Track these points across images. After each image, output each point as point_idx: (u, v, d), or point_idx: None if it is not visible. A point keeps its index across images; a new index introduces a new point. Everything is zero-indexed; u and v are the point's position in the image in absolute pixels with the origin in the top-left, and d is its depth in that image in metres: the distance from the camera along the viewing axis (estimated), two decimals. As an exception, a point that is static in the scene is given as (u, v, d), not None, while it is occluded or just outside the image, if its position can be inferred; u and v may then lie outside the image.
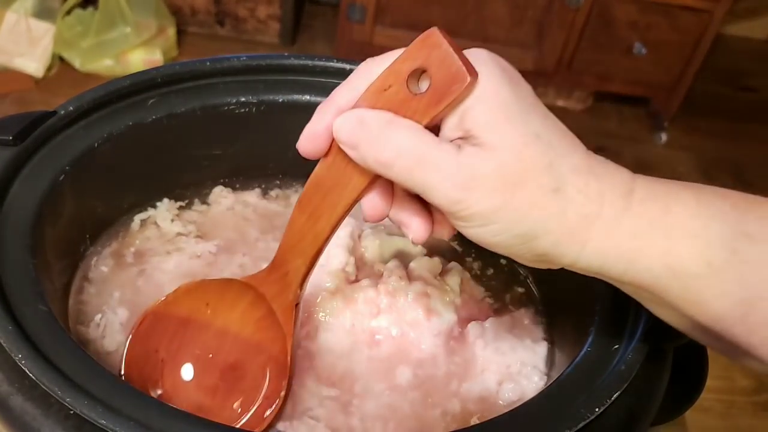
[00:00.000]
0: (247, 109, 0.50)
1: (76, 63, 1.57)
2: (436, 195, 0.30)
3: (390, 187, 0.34)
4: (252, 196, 0.55)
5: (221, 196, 0.54)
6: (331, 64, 0.52)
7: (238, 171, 0.55)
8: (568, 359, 0.38)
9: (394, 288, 0.45)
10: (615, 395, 0.33)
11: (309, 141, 0.34)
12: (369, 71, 0.32)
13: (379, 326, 0.44)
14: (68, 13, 1.57)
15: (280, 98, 0.51)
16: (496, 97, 0.29)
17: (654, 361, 0.36)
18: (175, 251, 0.49)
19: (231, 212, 0.53)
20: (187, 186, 0.53)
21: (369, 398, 0.41)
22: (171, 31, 1.66)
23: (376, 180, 0.33)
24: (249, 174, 0.55)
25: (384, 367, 0.43)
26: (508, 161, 0.29)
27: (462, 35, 1.65)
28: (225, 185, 0.54)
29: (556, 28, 1.62)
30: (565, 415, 0.32)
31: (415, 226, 0.34)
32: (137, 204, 0.51)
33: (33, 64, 1.54)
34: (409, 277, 0.47)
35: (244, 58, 0.50)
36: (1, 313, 0.32)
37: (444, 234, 0.34)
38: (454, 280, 0.48)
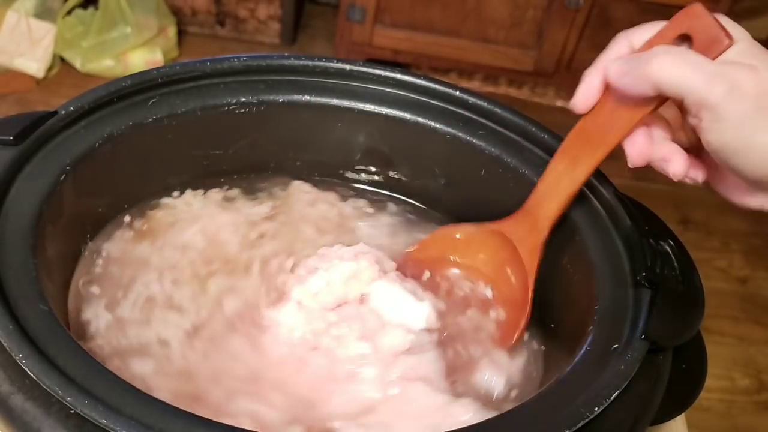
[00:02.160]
0: (247, 110, 0.51)
1: (77, 63, 1.58)
2: (698, 93, 0.34)
3: (649, 132, 0.39)
4: (252, 197, 0.55)
5: (221, 197, 0.54)
6: (332, 64, 0.52)
7: (239, 171, 0.55)
8: (568, 359, 0.38)
9: None
10: (614, 395, 0.33)
11: (582, 97, 0.41)
12: (627, 38, 0.39)
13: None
14: (69, 13, 1.57)
15: (281, 98, 0.51)
16: (751, 47, 0.36)
17: (653, 361, 0.36)
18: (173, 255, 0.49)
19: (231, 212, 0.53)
20: (188, 186, 0.53)
21: None
22: (172, 32, 1.66)
23: (638, 123, 0.39)
24: (249, 174, 0.55)
25: None
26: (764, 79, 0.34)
27: (462, 35, 1.66)
28: (225, 185, 0.55)
29: (556, 29, 1.62)
30: (565, 415, 0.32)
31: (677, 161, 0.39)
32: (138, 204, 0.51)
33: (34, 64, 1.54)
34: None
35: (245, 58, 0.50)
36: (1, 312, 0.33)
37: (699, 175, 0.40)
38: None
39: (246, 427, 0.30)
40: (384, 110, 0.52)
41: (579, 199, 0.45)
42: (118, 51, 1.56)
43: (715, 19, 0.36)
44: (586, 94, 0.41)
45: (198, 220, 0.52)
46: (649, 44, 0.38)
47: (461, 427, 0.32)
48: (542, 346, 0.47)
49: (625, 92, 0.38)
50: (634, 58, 0.37)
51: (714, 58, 0.35)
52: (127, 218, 0.50)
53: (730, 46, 0.35)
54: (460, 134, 0.51)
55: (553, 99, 1.85)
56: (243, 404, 0.40)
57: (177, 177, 0.52)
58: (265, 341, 0.44)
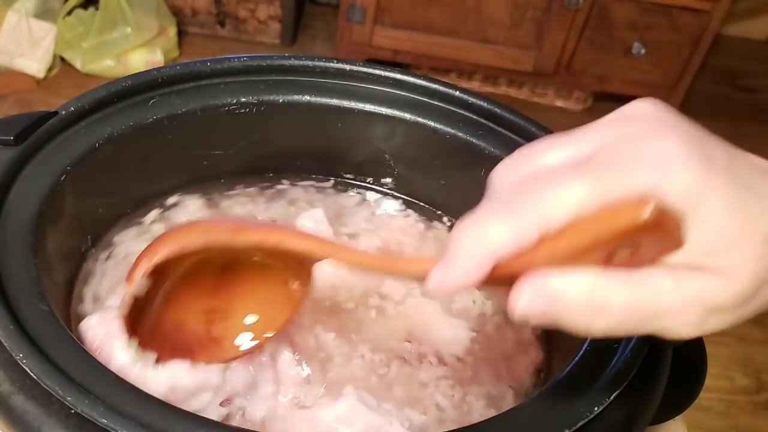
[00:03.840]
0: (247, 110, 0.51)
1: (77, 63, 1.58)
2: (679, 333, 0.25)
3: None
4: (252, 197, 0.55)
5: (221, 197, 0.54)
6: (332, 64, 0.52)
7: (239, 171, 0.55)
8: (568, 358, 0.38)
9: None
10: (614, 394, 0.33)
11: (447, 288, 0.26)
12: (532, 209, 0.24)
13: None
14: (69, 13, 1.57)
15: (281, 99, 0.51)
16: (709, 218, 0.24)
17: (653, 361, 0.36)
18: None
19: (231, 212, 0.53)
20: (187, 186, 0.53)
21: None
22: (172, 32, 1.66)
23: None
24: (249, 174, 0.55)
25: None
26: (746, 283, 0.24)
27: (462, 36, 1.66)
28: (225, 185, 0.55)
29: (556, 29, 1.62)
30: (565, 415, 0.32)
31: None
32: (138, 204, 0.51)
33: (34, 64, 1.55)
34: None
35: (245, 58, 0.50)
36: (2, 312, 0.33)
37: None
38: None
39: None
40: (384, 110, 0.52)
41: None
42: (118, 51, 1.56)
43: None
44: (449, 286, 0.26)
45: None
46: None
47: (461, 426, 0.33)
48: (542, 346, 0.47)
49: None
50: (565, 305, 0.24)
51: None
52: (128, 218, 0.50)
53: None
54: (460, 134, 0.51)
55: (553, 99, 1.85)
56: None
57: (177, 177, 0.52)
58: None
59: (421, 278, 0.28)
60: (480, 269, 0.25)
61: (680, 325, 0.25)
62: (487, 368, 0.44)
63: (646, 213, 0.23)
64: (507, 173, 0.27)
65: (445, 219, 0.56)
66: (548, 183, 0.25)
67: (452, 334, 0.45)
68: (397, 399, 0.42)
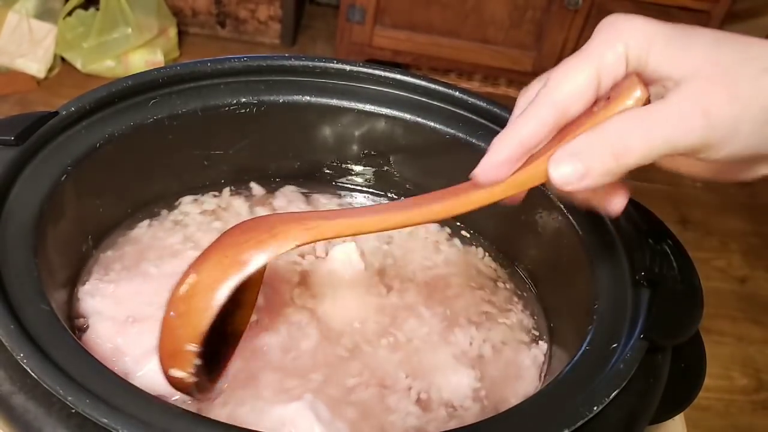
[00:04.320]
0: (247, 110, 0.51)
1: (78, 64, 1.58)
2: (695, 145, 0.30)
3: None
4: (252, 197, 0.55)
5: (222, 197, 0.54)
6: (332, 65, 0.52)
7: (239, 172, 0.55)
8: (567, 358, 0.39)
9: None
10: (614, 394, 0.33)
11: (490, 171, 0.32)
12: (551, 99, 0.31)
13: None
14: (70, 14, 1.57)
15: (281, 99, 0.51)
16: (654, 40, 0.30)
17: (652, 360, 0.36)
18: (174, 256, 0.49)
19: (231, 213, 0.53)
20: (188, 186, 0.53)
21: None
22: (172, 32, 1.66)
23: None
24: (250, 175, 0.55)
25: None
26: (705, 84, 0.29)
27: (461, 36, 1.66)
28: (225, 185, 0.55)
29: (555, 29, 1.62)
30: (564, 414, 0.32)
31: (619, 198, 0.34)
32: (138, 204, 0.51)
33: (35, 64, 1.55)
34: None
35: (245, 59, 0.50)
36: (3, 312, 0.33)
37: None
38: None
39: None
40: (384, 110, 0.52)
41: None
42: (118, 51, 1.56)
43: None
44: (490, 168, 0.33)
45: (199, 222, 0.52)
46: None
47: (461, 426, 0.33)
48: (542, 345, 0.47)
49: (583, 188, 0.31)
50: (590, 150, 0.30)
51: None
52: (129, 217, 0.50)
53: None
54: (459, 134, 0.51)
55: (553, 99, 1.85)
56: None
57: (177, 177, 0.52)
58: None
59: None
60: (514, 155, 0.32)
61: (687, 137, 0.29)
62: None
63: (633, 99, 0.30)
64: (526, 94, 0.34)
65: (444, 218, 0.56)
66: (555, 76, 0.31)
67: (456, 380, 0.44)
68: (355, 421, 0.40)
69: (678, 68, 0.30)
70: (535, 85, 0.34)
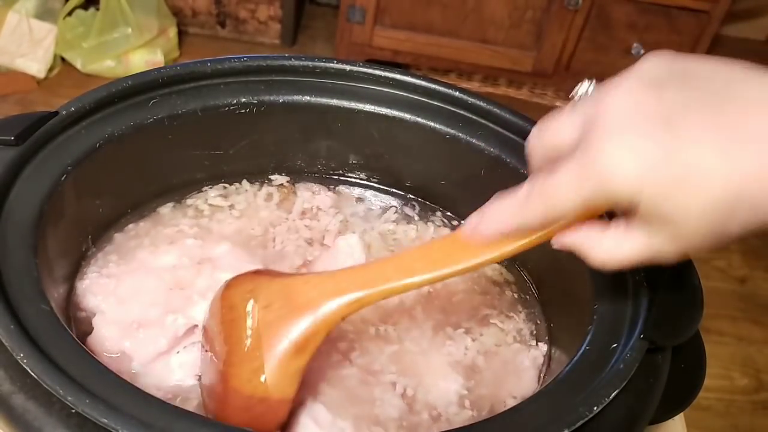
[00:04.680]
0: (247, 110, 0.51)
1: (78, 64, 1.58)
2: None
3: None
4: (252, 197, 0.55)
5: (222, 197, 0.54)
6: (332, 65, 0.52)
7: (239, 172, 0.55)
8: (567, 358, 0.39)
9: None
10: (613, 394, 0.33)
11: (477, 235, 0.34)
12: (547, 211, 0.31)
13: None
14: (70, 14, 1.57)
15: (281, 99, 0.51)
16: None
17: (652, 360, 0.36)
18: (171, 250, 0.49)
19: (231, 212, 0.53)
20: (188, 186, 0.53)
21: None
22: (172, 32, 1.66)
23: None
24: (250, 175, 0.55)
25: None
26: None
27: (461, 36, 1.66)
28: (226, 186, 0.55)
29: (555, 29, 1.62)
30: (564, 414, 0.32)
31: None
32: (138, 204, 0.51)
33: (35, 64, 1.55)
34: None
35: (245, 59, 0.50)
36: (3, 312, 0.33)
37: None
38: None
39: None
40: (384, 110, 0.52)
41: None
42: (118, 51, 1.56)
43: None
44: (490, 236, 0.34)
45: (200, 221, 0.52)
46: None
47: (462, 426, 0.33)
48: (542, 346, 0.47)
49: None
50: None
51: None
52: (129, 217, 0.50)
53: None
54: (459, 134, 0.51)
55: (553, 99, 1.85)
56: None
57: (177, 177, 0.52)
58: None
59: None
60: (495, 235, 0.34)
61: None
62: None
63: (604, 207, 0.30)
64: (536, 148, 0.34)
65: (443, 219, 0.56)
66: (548, 181, 0.30)
67: (444, 386, 0.43)
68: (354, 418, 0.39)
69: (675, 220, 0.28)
70: (543, 134, 0.33)
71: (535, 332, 0.48)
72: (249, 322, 0.36)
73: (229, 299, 0.37)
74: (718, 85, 0.28)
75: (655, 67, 0.29)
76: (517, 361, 0.46)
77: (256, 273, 0.39)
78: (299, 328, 0.34)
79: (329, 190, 0.56)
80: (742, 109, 0.27)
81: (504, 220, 0.33)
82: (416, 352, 0.45)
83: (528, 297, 0.51)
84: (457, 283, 0.50)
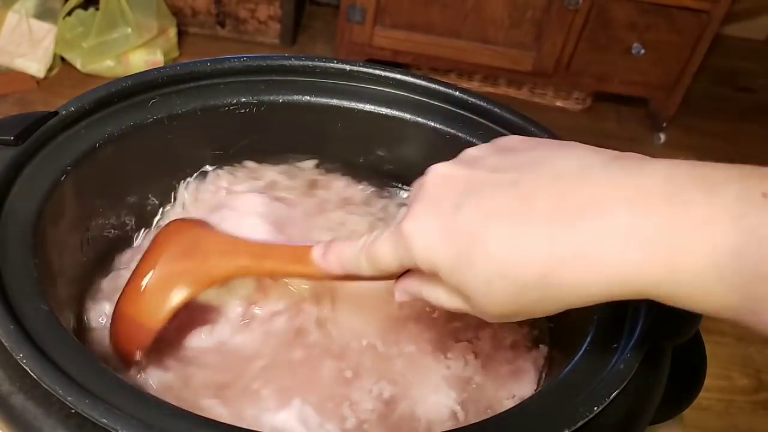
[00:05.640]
0: (247, 110, 0.51)
1: (78, 63, 1.58)
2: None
3: None
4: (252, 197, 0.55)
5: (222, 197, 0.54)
6: (332, 65, 0.52)
7: (239, 171, 0.55)
8: (567, 358, 0.38)
9: None
10: (613, 394, 0.33)
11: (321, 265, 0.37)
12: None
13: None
14: (69, 13, 1.57)
15: (281, 99, 0.51)
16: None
17: (652, 360, 0.36)
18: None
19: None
20: (188, 186, 0.53)
21: None
22: (172, 32, 1.66)
23: None
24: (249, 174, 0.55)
25: None
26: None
27: (461, 36, 1.66)
28: (225, 185, 0.55)
29: (555, 29, 1.62)
30: (564, 414, 0.32)
31: None
32: (138, 204, 0.51)
33: (34, 64, 1.55)
34: None
35: (245, 58, 0.50)
36: (2, 312, 0.33)
37: None
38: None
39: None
40: (384, 110, 0.52)
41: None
42: (118, 51, 1.56)
43: None
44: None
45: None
46: None
47: (461, 426, 0.33)
48: (542, 346, 0.47)
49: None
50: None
51: None
52: (129, 217, 0.50)
53: None
54: (459, 134, 0.51)
55: (553, 99, 1.85)
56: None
57: (177, 177, 0.52)
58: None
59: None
60: (335, 270, 0.36)
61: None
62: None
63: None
64: None
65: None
66: (375, 241, 0.33)
67: (435, 399, 0.43)
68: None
69: (468, 293, 0.30)
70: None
71: (535, 333, 0.48)
72: (156, 253, 0.41)
73: (158, 235, 0.43)
74: (534, 158, 0.29)
75: (479, 148, 0.32)
76: (516, 362, 0.46)
77: (191, 222, 0.44)
78: (186, 269, 0.40)
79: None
80: (541, 186, 0.28)
81: (342, 262, 0.35)
82: (411, 364, 0.44)
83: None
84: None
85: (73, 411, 0.30)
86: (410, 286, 0.34)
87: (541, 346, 0.47)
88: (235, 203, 0.49)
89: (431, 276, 0.31)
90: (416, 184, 0.33)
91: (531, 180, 0.28)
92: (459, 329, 0.47)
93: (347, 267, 0.35)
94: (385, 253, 0.32)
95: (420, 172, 0.45)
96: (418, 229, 0.30)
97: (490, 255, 0.28)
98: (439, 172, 0.32)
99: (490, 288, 0.28)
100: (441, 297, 0.32)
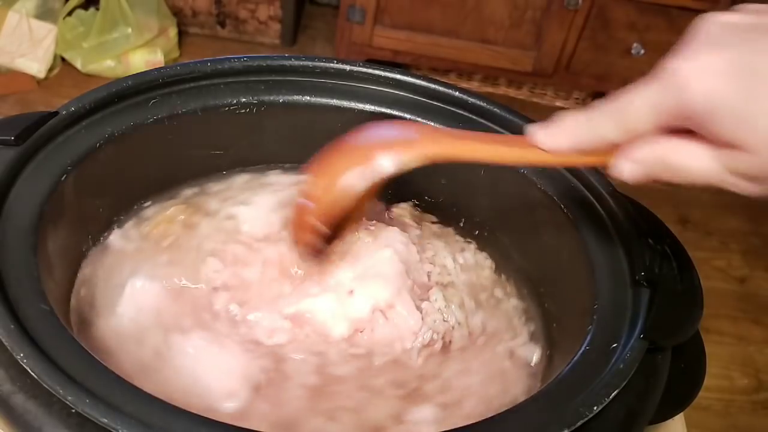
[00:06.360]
0: (247, 110, 0.51)
1: (78, 64, 1.58)
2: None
3: None
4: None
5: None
6: (332, 65, 0.52)
7: (239, 172, 0.55)
8: (567, 358, 0.39)
9: None
10: (613, 394, 0.33)
11: (552, 144, 0.35)
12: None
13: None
14: (70, 13, 1.57)
15: (281, 99, 0.51)
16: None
17: (652, 360, 0.36)
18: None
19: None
20: (188, 186, 0.53)
21: None
22: (172, 32, 1.66)
23: None
24: (249, 175, 0.55)
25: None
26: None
27: (461, 36, 1.66)
28: (225, 185, 0.55)
29: (555, 29, 1.62)
30: (564, 414, 0.32)
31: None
32: (138, 204, 0.51)
33: (35, 64, 1.55)
34: None
35: (245, 59, 0.50)
36: (3, 311, 0.33)
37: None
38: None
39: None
40: (384, 110, 0.52)
41: (578, 199, 0.45)
42: (118, 51, 1.56)
43: None
44: (555, 143, 0.35)
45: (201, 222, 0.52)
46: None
47: (461, 426, 0.33)
48: (542, 346, 0.47)
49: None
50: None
51: None
52: (128, 217, 0.50)
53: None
54: (459, 134, 0.51)
55: (552, 99, 1.85)
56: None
57: (177, 177, 0.52)
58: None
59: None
60: (563, 145, 0.34)
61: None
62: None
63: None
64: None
65: (443, 219, 0.56)
66: (623, 96, 0.31)
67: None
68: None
69: (747, 143, 0.28)
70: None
71: (535, 333, 0.48)
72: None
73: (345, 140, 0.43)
74: None
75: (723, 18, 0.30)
76: (516, 363, 0.46)
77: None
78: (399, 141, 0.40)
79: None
80: None
81: (572, 133, 0.33)
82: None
83: (527, 295, 0.51)
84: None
85: (73, 410, 0.30)
86: (649, 153, 0.31)
87: (541, 345, 0.47)
88: (380, 233, 0.49)
89: (684, 135, 0.29)
90: (687, 32, 0.30)
91: None
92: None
93: (579, 136, 0.32)
94: (642, 104, 0.29)
95: (420, 173, 0.45)
96: (695, 68, 0.28)
97: None
98: (717, 18, 0.29)
99: None
100: (696, 160, 0.29)
